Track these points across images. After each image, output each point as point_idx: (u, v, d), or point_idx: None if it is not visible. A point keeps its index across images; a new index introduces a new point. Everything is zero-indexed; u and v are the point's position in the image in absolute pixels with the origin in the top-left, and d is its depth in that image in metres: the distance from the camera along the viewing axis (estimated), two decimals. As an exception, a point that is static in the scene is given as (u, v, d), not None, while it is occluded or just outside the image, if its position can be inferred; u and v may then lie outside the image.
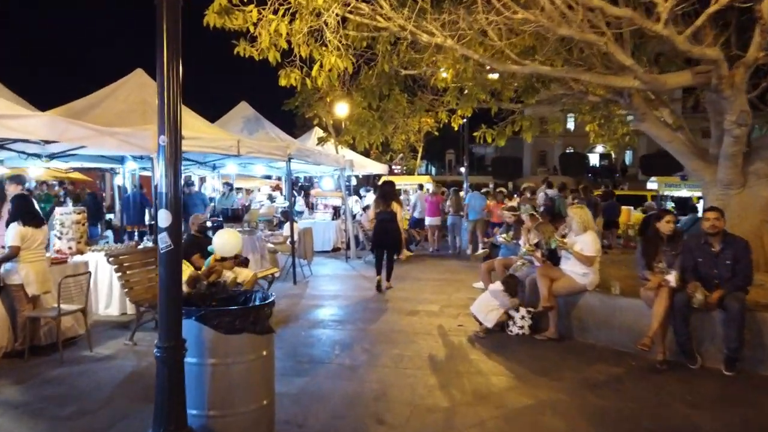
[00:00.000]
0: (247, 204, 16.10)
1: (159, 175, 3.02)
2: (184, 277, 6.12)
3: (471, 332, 6.30)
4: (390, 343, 5.94)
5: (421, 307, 7.66)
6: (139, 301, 5.72)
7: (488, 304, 6.25)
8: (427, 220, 15.11)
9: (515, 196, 16.98)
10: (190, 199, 10.56)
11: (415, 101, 10.58)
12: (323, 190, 17.35)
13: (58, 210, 6.35)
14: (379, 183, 10.54)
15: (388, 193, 8.87)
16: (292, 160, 10.59)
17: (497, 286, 6.42)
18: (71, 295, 5.60)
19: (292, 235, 9.40)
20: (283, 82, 7.89)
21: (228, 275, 6.50)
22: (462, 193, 15.39)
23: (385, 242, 8.70)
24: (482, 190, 14.16)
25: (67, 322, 5.79)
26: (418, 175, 20.83)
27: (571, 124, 60.56)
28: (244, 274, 6.80)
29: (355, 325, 6.70)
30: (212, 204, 11.53)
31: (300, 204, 15.29)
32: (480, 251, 8.88)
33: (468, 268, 11.20)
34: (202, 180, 14.50)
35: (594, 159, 60.02)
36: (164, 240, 2.98)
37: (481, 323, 6.22)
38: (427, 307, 7.67)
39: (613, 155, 59.68)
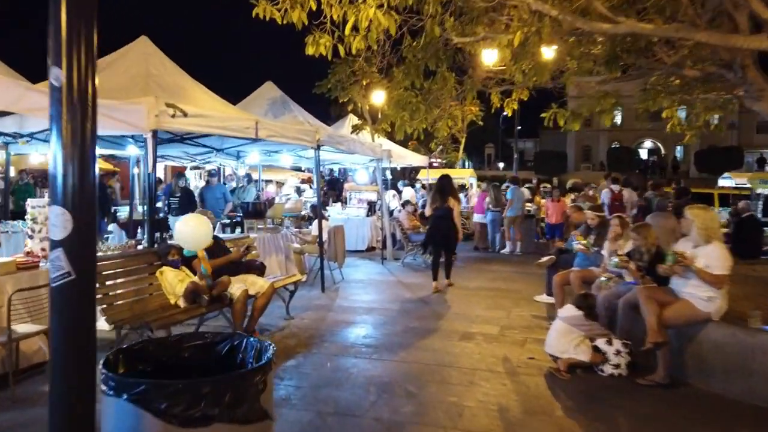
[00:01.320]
0: (275, 198, 14.90)
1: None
2: (179, 288, 4.82)
3: (546, 368, 4.82)
4: (442, 384, 4.50)
5: (476, 328, 6.19)
6: (118, 321, 4.44)
7: (567, 335, 4.74)
8: (475, 217, 13.76)
9: (569, 192, 15.30)
10: (210, 192, 9.33)
11: (465, 80, 9.11)
12: (357, 184, 15.99)
13: (30, 202, 5.12)
14: (439, 177, 9.37)
15: (444, 188, 8.22)
16: (322, 148, 9.27)
17: (570, 309, 4.89)
18: (33, 312, 4.36)
19: (320, 235, 8.05)
20: (310, 51, 6.55)
21: (237, 288, 5.17)
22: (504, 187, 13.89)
23: (441, 240, 8.17)
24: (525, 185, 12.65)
25: (32, 344, 4.57)
26: (460, 168, 19.26)
27: (618, 117, 57.81)
28: (258, 285, 5.46)
29: (395, 354, 5.28)
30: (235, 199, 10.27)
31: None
32: (545, 258, 7.36)
33: (522, 275, 9.65)
34: (232, 173, 13.27)
35: (643, 154, 57.08)
36: (57, 263, 1.61)
37: (556, 358, 4.74)
38: (484, 328, 6.19)
39: (662, 150, 56.69)
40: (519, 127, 71.23)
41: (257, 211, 8.61)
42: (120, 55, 6.88)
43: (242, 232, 8.78)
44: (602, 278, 5.58)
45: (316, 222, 8.94)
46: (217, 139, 8.32)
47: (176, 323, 4.69)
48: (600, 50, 6.62)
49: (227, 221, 8.74)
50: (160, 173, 15.40)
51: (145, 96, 5.61)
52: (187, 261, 5.18)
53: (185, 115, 5.47)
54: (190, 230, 4.87)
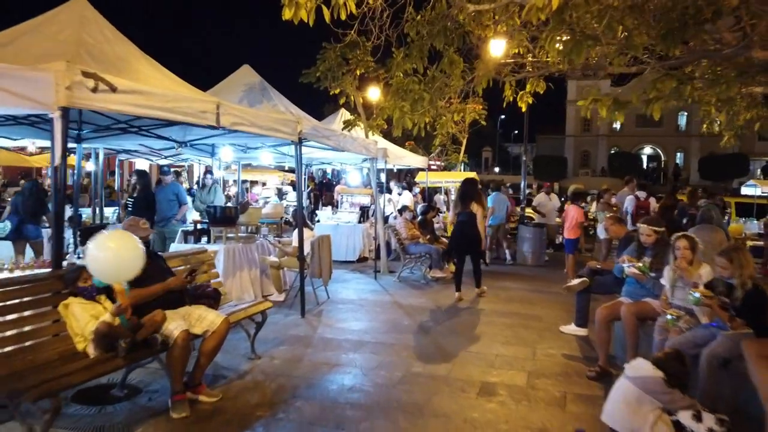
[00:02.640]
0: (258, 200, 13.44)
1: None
2: (90, 327, 3.39)
3: (604, 447, 3.42)
4: (462, 480, 3.08)
5: (497, 375, 4.78)
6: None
7: (639, 407, 3.32)
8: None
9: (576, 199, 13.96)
10: (161, 193, 7.88)
11: (477, 65, 7.75)
12: (349, 186, 14.59)
13: None
14: (462, 181, 8.70)
15: (467, 193, 7.87)
16: (306, 144, 7.86)
17: (644, 368, 3.47)
18: None
19: (300, 247, 6.62)
20: (287, 15, 5.19)
21: (175, 327, 3.73)
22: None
23: (466, 246, 7.86)
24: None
25: None
26: (460, 171, 17.87)
27: (617, 123, 56.72)
28: (207, 322, 4.01)
29: (394, 421, 3.85)
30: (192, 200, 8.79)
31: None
32: (576, 281, 5.97)
33: (540, 296, 8.25)
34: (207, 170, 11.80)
35: (642, 160, 56.03)
36: None
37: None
38: (507, 375, 4.78)
39: (663, 157, 55.62)
40: (516, 132, 70.00)
41: (226, 216, 7.16)
42: (49, 18, 5.44)
43: (209, 241, 7.34)
44: (668, 316, 4.18)
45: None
46: (180, 129, 6.88)
47: (70, 387, 3.25)
48: (658, 25, 5.20)
49: (189, 228, 7.31)
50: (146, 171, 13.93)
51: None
52: (107, 288, 3.74)
53: (113, 89, 4.04)
54: (109, 258, 3.42)
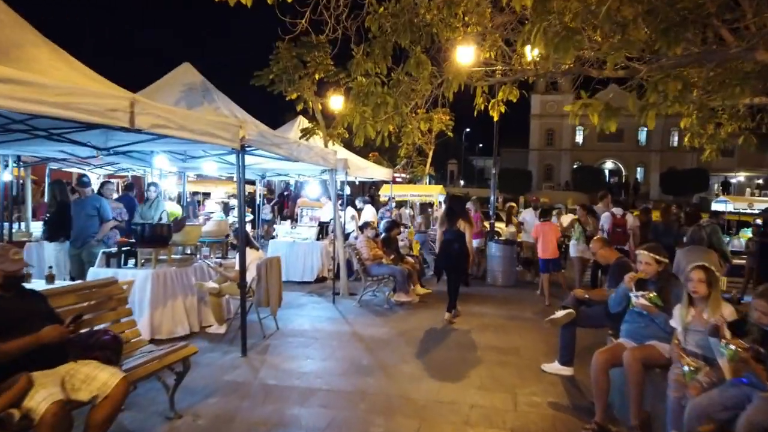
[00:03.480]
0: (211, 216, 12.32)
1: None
2: None
3: None
4: None
5: (474, 434, 3.92)
6: None
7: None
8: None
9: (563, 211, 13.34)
10: (79, 207, 6.76)
11: (445, 68, 6.99)
12: (309, 199, 13.63)
13: None
14: (447, 197, 8.38)
15: (455, 210, 7.62)
16: (251, 151, 6.93)
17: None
18: None
19: (242, 272, 5.64)
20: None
21: (43, 397, 2.72)
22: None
23: (450, 265, 7.55)
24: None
25: None
26: (426, 185, 17.11)
27: (580, 137, 57.42)
28: (97, 383, 3.01)
29: None
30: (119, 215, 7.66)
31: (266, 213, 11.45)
32: (561, 313, 5.18)
33: (514, 321, 7.47)
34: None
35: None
36: None
37: None
38: (485, 434, 3.92)
39: (623, 171, 56.44)
40: (480, 145, 70.15)
41: (157, 236, 6.13)
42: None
43: (136, 265, 6.29)
44: (685, 368, 3.40)
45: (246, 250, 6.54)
46: (101, 133, 5.83)
47: None
48: (654, 22, 4.47)
49: (112, 251, 6.24)
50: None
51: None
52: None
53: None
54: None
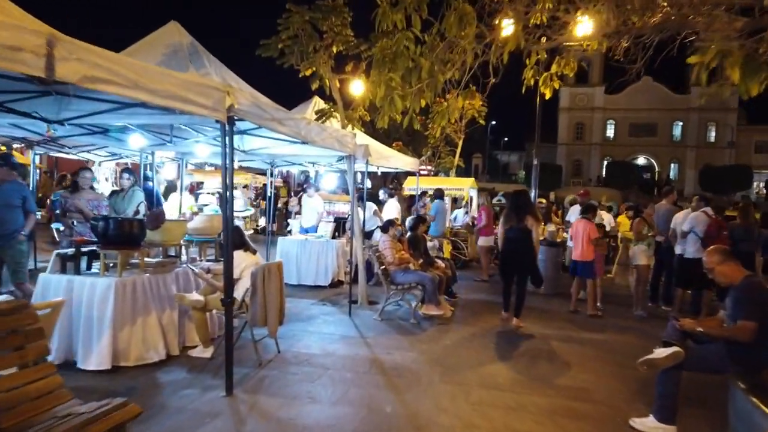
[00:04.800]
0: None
1: None
2: None
3: None
4: None
5: None
6: None
7: None
8: (480, 240, 10.87)
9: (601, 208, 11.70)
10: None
11: (495, 27, 5.56)
12: (326, 192, 12.25)
13: None
14: (512, 192, 7.82)
15: (522, 206, 6.93)
16: (248, 130, 5.62)
17: None
18: None
19: (227, 282, 4.25)
20: None
21: None
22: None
23: (516, 266, 6.90)
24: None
25: None
26: (457, 177, 15.61)
27: (611, 131, 55.14)
28: None
29: None
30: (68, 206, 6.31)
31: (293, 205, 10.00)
32: (664, 352, 3.72)
33: (573, 346, 5.99)
34: (145, 169, 9.35)
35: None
36: None
37: None
38: None
39: (656, 167, 53.97)
40: (506, 139, 68.23)
41: (124, 234, 4.80)
42: None
43: (102, 269, 4.96)
44: None
45: (237, 254, 5.18)
46: (54, 101, 4.50)
47: None
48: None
49: (69, 252, 4.91)
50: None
51: None
52: None
53: None
54: None
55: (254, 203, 17.44)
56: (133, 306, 4.77)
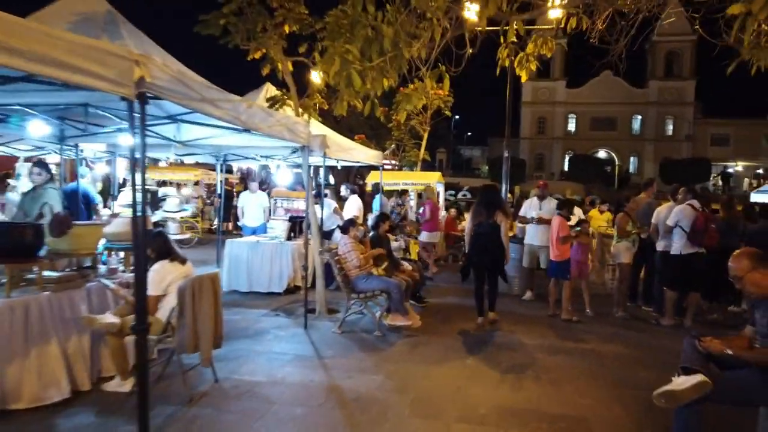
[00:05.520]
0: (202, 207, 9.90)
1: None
2: None
3: None
4: None
5: None
6: None
7: None
8: (422, 236, 10.26)
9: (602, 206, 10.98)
10: None
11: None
12: (280, 187, 11.30)
13: None
14: (481, 187, 7.72)
15: (493, 201, 6.74)
16: (178, 116, 4.73)
17: None
18: None
19: (139, 306, 3.32)
20: None
21: None
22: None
23: (487, 264, 6.64)
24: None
25: None
26: (422, 171, 14.83)
27: (572, 125, 55.55)
28: None
29: None
30: None
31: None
32: (687, 381, 3.02)
33: (560, 358, 5.26)
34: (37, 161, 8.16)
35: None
36: None
37: None
38: None
39: (617, 161, 54.63)
40: (469, 134, 68.11)
41: (14, 243, 3.81)
42: None
43: (-18, 289, 3.95)
44: None
45: (161, 265, 4.25)
46: None
47: None
48: None
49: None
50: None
51: None
52: None
53: None
54: None
55: (207, 201, 16.33)
56: (25, 334, 3.79)
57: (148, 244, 4.26)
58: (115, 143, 7.05)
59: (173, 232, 7.02)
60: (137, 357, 3.33)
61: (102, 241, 4.89)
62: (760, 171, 45.79)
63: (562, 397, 4.42)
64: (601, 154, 56.10)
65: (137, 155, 3.33)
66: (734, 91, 69.35)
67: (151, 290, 4.12)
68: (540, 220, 8.06)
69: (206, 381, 4.42)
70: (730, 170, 44.82)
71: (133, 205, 3.26)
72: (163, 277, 4.15)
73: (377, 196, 10.57)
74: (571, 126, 56.10)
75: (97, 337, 4.31)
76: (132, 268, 5.13)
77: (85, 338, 4.23)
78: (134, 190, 3.31)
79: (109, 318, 4.13)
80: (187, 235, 7.65)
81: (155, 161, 13.50)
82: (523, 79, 6.62)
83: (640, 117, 53.47)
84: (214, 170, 16.99)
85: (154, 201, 6.86)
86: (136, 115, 3.29)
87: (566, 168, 50.29)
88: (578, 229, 7.70)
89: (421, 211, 10.28)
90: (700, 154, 47.48)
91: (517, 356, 5.48)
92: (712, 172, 42.54)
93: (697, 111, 51.28)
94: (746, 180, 46.28)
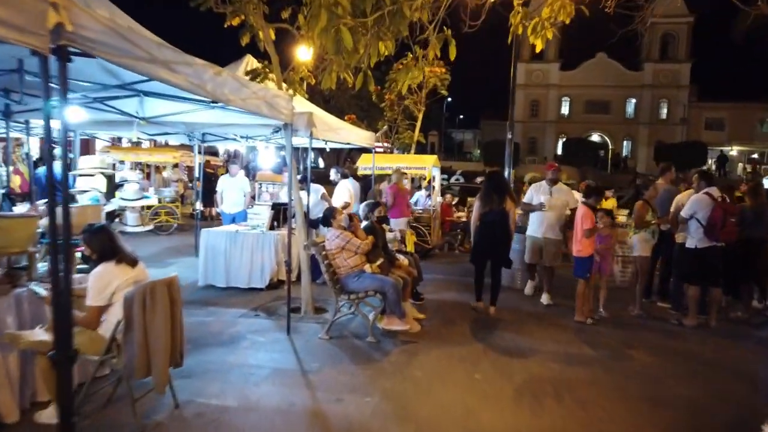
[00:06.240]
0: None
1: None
2: None
3: None
4: None
5: None
6: None
7: None
8: (394, 223, 8.95)
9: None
10: None
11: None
12: (264, 171, 10.45)
13: None
14: (487, 173, 7.69)
15: (502, 187, 6.47)
16: (123, 74, 3.92)
17: None
18: None
19: (58, 318, 2.52)
20: None
21: None
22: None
23: (492, 250, 6.40)
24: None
25: None
26: (417, 154, 14.01)
27: (566, 109, 54.79)
28: None
29: None
30: None
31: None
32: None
33: (575, 367, 4.53)
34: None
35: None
36: None
37: None
38: None
39: (610, 145, 54.05)
40: (461, 116, 67.22)
41: None
42: None
43: None
44: None
45: (104, 268, 3.43)
46: None
47: None
48: None
49: None
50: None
51: None
52: None
53: None
54: None
55: (189, 185, 15.44)
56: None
57: (88, 242, 3.45)
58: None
59: (131, 223, 6.16)
60: (58, 396, 2.55)
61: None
62: (755, 156, 45.33)
63: (591, 422, 3.70)
64: (595, 137, 55.47)
65: (54, 129, 2.51)
66: (729, 74, 68.72)
67: (92, 299, 3.32)
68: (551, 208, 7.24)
69: (164, 406, 3.65)
70: (728, 154, 44.26)
71: (49, 194, 2.44)
72: (107, 282, 3.35)
73: (342, 181, 9.27)
74: (565, 109, 55.31)
75: (24, 360, 3.51)
76: (78, 267, 4.32)
77: (12, 357, 3.43)
78: (50, 175, 2.48)
79: (39, 335, 3.33)
80: (150, 226, 6.79)
81: (120, 140, 12.63)
82: (538, 48, 5.81)
83: (634, 100, 52.76)
84: (200, 153, 16.11)
85: (112, 186, 6.09)
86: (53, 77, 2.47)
87: (560, 152, 49.58)
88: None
89: (383, 197, 9.32)
90: (695, 138, 46.88)
91: (531, 367, 4.75)
92: (709, 156, 41.94)
93: (692, 94, 50.65)
94: (740, 164, 45.84)
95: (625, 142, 54.53)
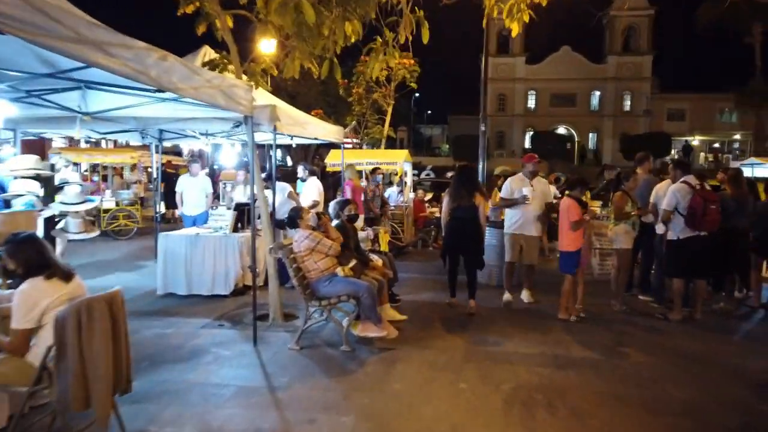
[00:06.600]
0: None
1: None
2: None
3: None
4: None
5: None
6: None
7: None
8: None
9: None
10: None
11: None
12: (228, 170, 9.93)
13: None
14: (457, 167, 7.16)
15: (471, 181, 6.38)
16: (59, 60, 3.42)
17: None
18: None
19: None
20: None
21: None
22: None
23: (464, 245, 6.30)
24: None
25: None
26: (387, 149, 13.63)
27: (532, 102, 55.18)
28: None
29: None
30: None
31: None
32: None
33: (565, 371, 4.23)
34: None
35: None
36: None
37: None
38: None
39: (576, 138, 54.70)
40: (429, 112, 67.27)
41: None
42: None
43: None
44: None
45: (32, 284, 2.95)
46: None
47: None
48: None
49: None
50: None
51: None
52: None
53: None
54: None
55: (150, 187, 14.75)
56: None
57: (12, 254, 2.96)
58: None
59: (73, 230, 5.62)
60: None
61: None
62: (717, 145, 46.47)
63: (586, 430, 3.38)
64: (561, 130, 56.08)
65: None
66: (690, 66, 70.39)
67: (18, 322, 2.85)
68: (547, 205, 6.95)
69: (110, 440, 3.18)
70: (690, 144, 45.26)
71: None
72: (35, 302, 2.87)
73: (309, 179, 8.81)
74: (531, 103, 55.71)
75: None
76: (9, 282, 3.79)
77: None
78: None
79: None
80: (96, 232, 6.25)
81: (72, 140, 11.92)
82: (514, 33, 5.50)
83: (598, 93, 53.49)
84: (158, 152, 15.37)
85: (50, 186, 5.50)
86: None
87: (528, 145, 49.94)
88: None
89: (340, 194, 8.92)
90: (658, 129, 47.79)
91: (518, 373, 4.42)
92: (673, 147, 42.77)
93: (655, 86, 51.60)
94: (702, 154, 46.91)
95: (590, 135, 55.29)
